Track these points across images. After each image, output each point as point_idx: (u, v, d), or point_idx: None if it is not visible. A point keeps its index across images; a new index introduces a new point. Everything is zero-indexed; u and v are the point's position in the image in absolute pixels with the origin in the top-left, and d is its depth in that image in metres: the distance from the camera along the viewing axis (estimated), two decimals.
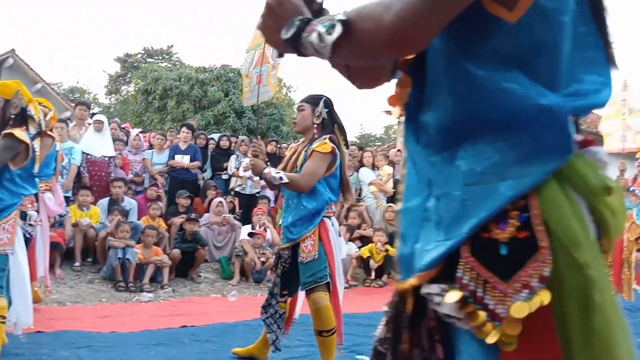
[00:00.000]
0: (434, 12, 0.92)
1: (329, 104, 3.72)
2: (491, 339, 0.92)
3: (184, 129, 8.81)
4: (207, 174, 9.16)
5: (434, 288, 0.99)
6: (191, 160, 8.48)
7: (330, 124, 3.68)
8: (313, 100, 3.70)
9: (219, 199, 8.06)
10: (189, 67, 22.59)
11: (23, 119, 3.67)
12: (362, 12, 0.98)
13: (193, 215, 7.51)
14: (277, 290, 3.69)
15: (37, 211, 4.56)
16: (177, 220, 7.54)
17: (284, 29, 1.07)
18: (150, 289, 6.47)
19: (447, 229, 0.99)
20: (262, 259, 7.31)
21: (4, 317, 3.51)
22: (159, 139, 8.76)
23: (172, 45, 32.78)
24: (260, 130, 19.24)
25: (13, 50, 18.16)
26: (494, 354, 0.93)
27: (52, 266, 6.57)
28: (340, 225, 8.12)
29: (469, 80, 0.98)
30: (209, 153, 9.30)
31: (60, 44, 60.87)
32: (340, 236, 4.19)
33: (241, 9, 70.95)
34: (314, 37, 1.02)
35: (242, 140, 9.27)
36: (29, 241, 4.01)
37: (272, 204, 8.73)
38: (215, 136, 10.16)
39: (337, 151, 3.58)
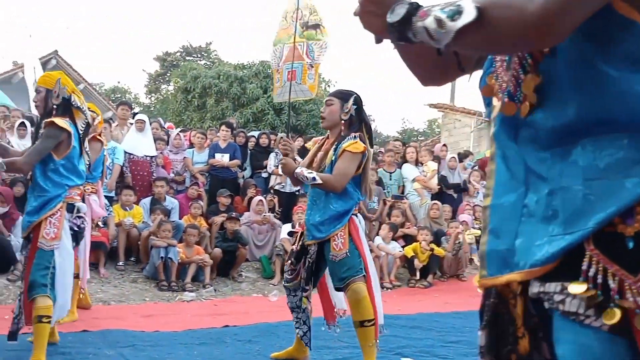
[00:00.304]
0: (579, 5, 0.92)
1: (358, 101, 3.64)
2: None
3: (223, 127, 8.80)
4: (247, 172, 9.14)
5: (552, 286, 1.00)
6: (231, 159, 8.47)
7: (358, 121, 3.61)
8: (343, 96, 3.63)
9: (259, 197, 8.03)
10: (227, 65, 22.74)
11: (66, 109, 3.62)
12: (499, 1, 0.96)
13: (234, 214, 7.49)
14: (303, 283, 3.68)
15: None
16: (218, 219, 7.54)
17: (390, 12, 1.05)
18: (192, 288, 6.48)
19: (566, 223, 1.00)
20: None
21: (49, 317, 3.48)
22: (199, 138, 8.78)
23: (210, 43, 33.16)
24: (299, 126, 19.21)
25: (56, 51, 18.56)
26: (627, 347, 0.94)
27: (96, 266, 6.65)
28: (382, 223, 8.05)
29: (602, 80, 0.97)
30: (249, 151, 9.28)
31: (101, 45, 62.21)
32: (367, 233, 4.13)
33: (279, 4, 71.15)
34: (429, 21, 1.00)
35: (281, 138, 9.21)
36: (79, 235, 3.93)
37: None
38: (255, 134, 10.14)
39: (366, 151, 3.53)
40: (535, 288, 1.03)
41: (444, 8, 0.99)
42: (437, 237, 8.01)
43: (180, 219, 7.38)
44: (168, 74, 30.83)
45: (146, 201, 7.45)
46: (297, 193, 8.45)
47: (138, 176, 7.73)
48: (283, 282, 3.87)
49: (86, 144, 3.86)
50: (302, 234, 3.76)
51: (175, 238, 6.73)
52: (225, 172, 8.47)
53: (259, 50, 58.03)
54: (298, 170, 3.51)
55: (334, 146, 3.57)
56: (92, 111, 4.92)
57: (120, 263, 6.77)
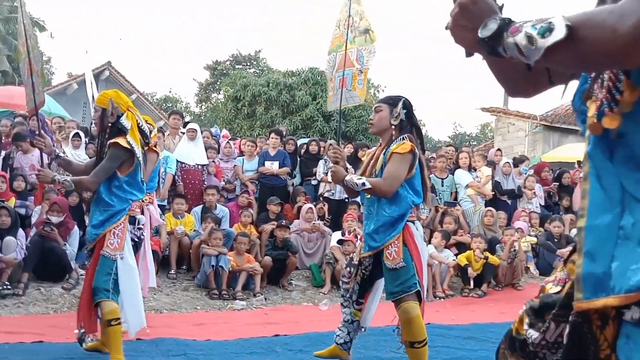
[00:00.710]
0: None
1: (408, 105, 3.57)
2: None
3: (272, 134, 8.82)
4: (297, 180, 9.13)
5: None
6: (280, 166, 8.47)
7: (408, 125, 3.54)
8: (391, 101, 3.58)
9: (309, 205, 7.98)
10: (276, 72, 22.93)
11: (124, 128, 3.76)
12: (589, 20, 0.98)
13: (284, 222, 7.47)
14: (355, 297, 3.62)
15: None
16: (268, 227, 7.54)
17: (481, 27, 1.09)
18: (243, 297, 6.48)
19: None
20: None
21: (118, 319, 3.63)
22: (249, 146, 8.82)
23: (259, 51, 33.43)
24: (349, 133, 19.16)
25: (109, 62, 19.14)
26: None
27: None
28: (434, 231, 7.88)
29: None
30: (298, 158, 9.27)
31: (153, 55, 63.90)
32: (425, 240, 4.02)
33: (327, 10, 71.53)
34: (520, 38, 1.03)
35: (330, 144, 9.17)
36: (139, 245, 4.12)
37: (362, 210, 8.55)
38: (304, 141, 10.13)
39: (417, 150, 3.43)
40: (636, 313, 1.02)
41: (535, 24, 1.02)
42: (492, 245, 7.78)
43: (230, 227, 7.41)
44: (218, 83, 31.37)
45: (197, 209, 7.52)
46: (346, 200, 8.36)
47: (190, 185, 7.82)
48: (342, 292, 3.79)
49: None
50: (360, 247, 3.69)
51: (226, 246, 6.76)
52: (274, 180, 8.48)
53: (308, 57, 58.42)
54: (348, 177, 3.47)
55: (383, 151, 3.52)
56: (148, 123, 5.01)
57: (172, 271, 6.83)
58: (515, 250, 7.61)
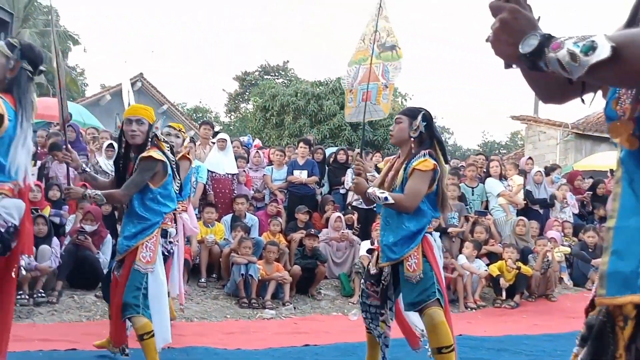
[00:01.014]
0: None
1: (427, 117, 3.57)
2: None
3: (301, 144, 8.85)
4: (325, 189, 9.12)
5: None
6: (309, 175, 8.48)
7: (428, 138, 3.55)
8: (411, 113, 3.60)
9: (337, 214, 7.97)
10: (304, 82, 23.03)
11: (153, 140, 3.81)
12: (633, 41, 1.03)
13: (312, 231, 7.47)
14: (377, 309, 3.60)
15: (176, 230, 4.74)
16: (297, 235, 7.54)
17: (522, 42, 1.12)
18: (272, 306, 6.48)
19: None
20: None
21: (149, 332, 3.64)
22: (278, 155, 8.86)
23: (288, 61, 33.65)
24: (376, 142, 19.11)
25: (141, 74, 19.47)
26: None
27: None
28: (464, 240, 7.78)
29: None
30: (326, 167, 9.27)
31: (183, 66, 64.79)
32: (442, 251, 4.01)
33: (354, 20, 71.71)
34: (562, 54, 1.06)
35: (357, 154, 9.14)
36: (166, 258, 4.11)
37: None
38: (333, 150, 10.13)
39: (438, 167, 3.44)
40: None
41: (577, 42, 1.05)
42: (524, 255, 7.65)
43: (259, 235, 7.43)
44: (247, 93, 31.64)
45: (227, 218, 7.57)
46: (375, 209, 8.32)
47: (220, 194, 7.88)
48: (360, 299, 3.78)
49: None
50: (378, 255, 3.68)
51: (255, 255, 6.78)
52: (303, 189, 8.49)
53: (335, 67, 58.60)
54: (370, 190, 3.48)
55: (404, 165, 3.53)
56: (180, 130, 5.12)
57: (202, 280, 6.88)
58: (548, 260, 7.47)
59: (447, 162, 3.69)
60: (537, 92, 1.38)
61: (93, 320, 5.54)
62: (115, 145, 8.01)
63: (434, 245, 3.53)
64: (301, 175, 8.46)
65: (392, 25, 4.86)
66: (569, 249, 8.36)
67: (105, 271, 6.19)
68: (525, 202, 8.72)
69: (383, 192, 3.42)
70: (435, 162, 3.44)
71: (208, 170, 7.77)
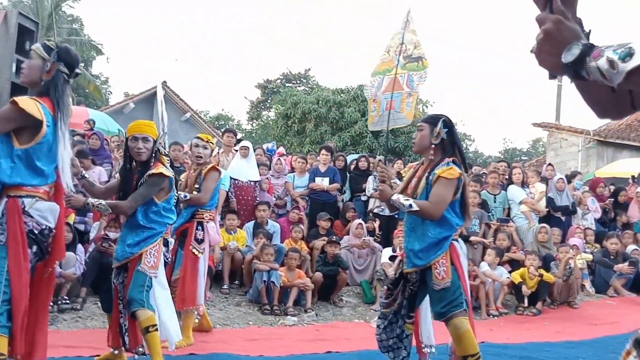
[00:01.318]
0: None
1: (448, 124, 3.60)
2: None
3: (323, 151, 8.89)
4: (347, 196, 9.16)
5: None
6: (330, 182, 8.53)
7: (450, 144, 3.57)
8: (432, 121, 3.63)
9: (359, 221, 8.00)
10: (325, 90, 23.10)
11: (157, 155, 3.94)
12: None
13: (334, 238, 7.50)
14: (404, 311, 3.62)
15: (203, 239, 4.99)
16: (319, 242, 7.58)
17: (564, 52, 1.15)
18: (294, 313, 6.52)
19: None
20: None
21: (154, 325, 3.77)
22: (300, 162, 8.92)
23: (309, 69, 33.82)
24: (397, 149, 19.09)
25: (165, 82, 19.71)
26: None
27: None
28: (486, 248, 7.75)
29: None
30: (348, 174, 9.31)
31: (206, 74, 65.39)
32: (468, 259, 4.04)
33: (376, 28, 71.73)
34: (602, 62, 1.08)
35: (380, 161, 9.16)
36: (166, 265, 4.29)
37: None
38: (354, 157, 10.16)
39: (462, 176, 3.48)
40: None
41: (616, 49, 1.07)
42: (546, 262, 7.60)
43: (281, 242, 7.49)
44: (269, 101, 31.82)
45: (249, 225, 7.64)
46: (396, 216, 8.34)
47: (242, 200, 7.96)
48: (379, 307, 3.81)
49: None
50: (401, 260, 3.71)
51: (277, 262, 6.83)
52: (325, 196, 8.54)
53: (357, 74, 58.69)
54: (395, 197, 3.50)
55: (427, 172, 3.55)
56: (208, 141, 5.19)
57: (225, 286, 6.94)
58: (570, 267, 7.41)
59: (466, 170, 3.70)
60: (592, 107, 1.38)
61: None
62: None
63: (460, 253, 3.55)
64: (323, 183, 8.51)
65: (420, 39, 4.92)
66: (591, 256, 8.28)
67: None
68: (547, 209, 8.67)
69: (407, 200, 3.44)
70: (461, 171, 3.47)
71: (230, 178, 7.85)
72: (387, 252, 7.44)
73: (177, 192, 4.16)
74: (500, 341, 5.55)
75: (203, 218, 5.04)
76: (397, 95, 4.80)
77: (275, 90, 31.35)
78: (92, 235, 6.69)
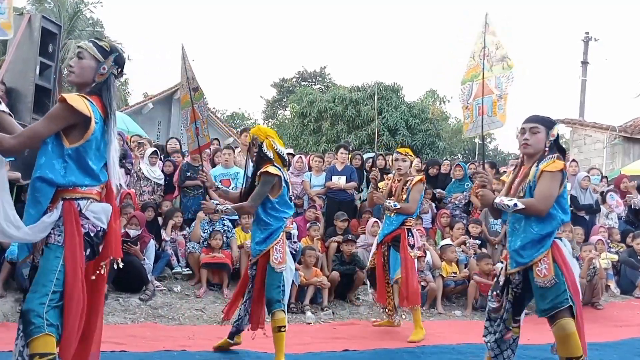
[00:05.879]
0: None
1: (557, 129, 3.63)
2: None
3: (340, 150, 8.85)
4: (364, 194, 9.10)
5: None
6: (347, 181, 8.48)
7: (555, 148, 3.54)
8: (548, 123, 3.56)
9: (374, 219, 7.94)
10: (341, 88, 23.05)
11: (267, 156, 4.34)
12: None
13: (350, 237, 7.45)
14: (507, 316, 3.60)
15: (414, 244, 5.57)
16: (333, 242, 7.53)
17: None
18: (312, 310, 6.48)
19: None
20: (422, 284, 6.99)
21: (285, 326, 4.26)
22: (317, 161, 8.87)
23: (325, 67, 33.82)
24: (415, 147, 18.98)
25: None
26: None
27: (220, 286, 6.87)
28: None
29: None
30: (365, 173, 9.25)
31: (223, 74, 65.70)
32: (574, 257, 3.95)
33: (391, 24, 71.49)
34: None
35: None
36: (295, 257, 4.74)
37: (427, 224, 8.44)
38: (371, 155, 10.10)
39: (566, 169, 3.45)
40: None
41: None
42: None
43: (298, 241, 7.45)
44: (285, 100, 31.86)
45: None
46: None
47: None
48: (487, 310, 3.76)
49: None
50: (506, 265, 3.64)
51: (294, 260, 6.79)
52: (341, 195, 8.49)
53: (374, 70, 58.53)
54: (497, 200, 3.47)
55: (532, 169, 3.49)
56: (406, 154, 5.71)
57: None
58: (594, 267, 7.28)
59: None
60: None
61: (137, 322, 5.64)
62: (158, 152, 8.22)
63: (564, 250, 3.48)
64: (340, 181, 8.46)
65: (500, 39, 4.95)
66: (616, 256, 8.13)
67: (149, 275, 6.35)
68: (570, 208, 8.52)
69: (511, 200, 3.41)
70: (564, 163, 3.43)
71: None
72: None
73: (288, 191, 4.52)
74: (522, 342, 5.40)
75: (411, 225, 5.63)
76: (487, 99, 4.86)
77: (290, 88, 31.38)
78: None
